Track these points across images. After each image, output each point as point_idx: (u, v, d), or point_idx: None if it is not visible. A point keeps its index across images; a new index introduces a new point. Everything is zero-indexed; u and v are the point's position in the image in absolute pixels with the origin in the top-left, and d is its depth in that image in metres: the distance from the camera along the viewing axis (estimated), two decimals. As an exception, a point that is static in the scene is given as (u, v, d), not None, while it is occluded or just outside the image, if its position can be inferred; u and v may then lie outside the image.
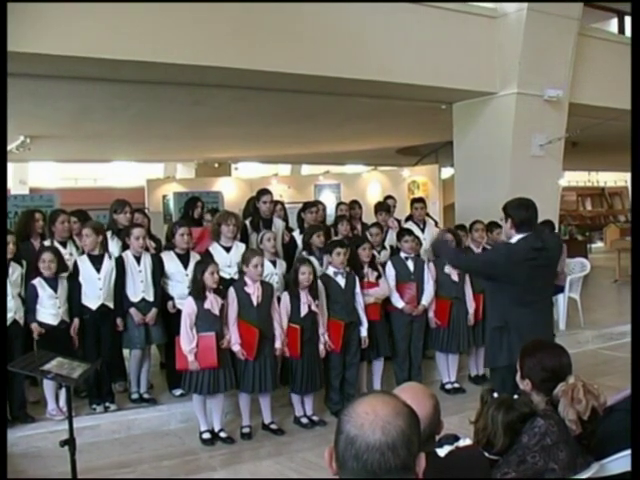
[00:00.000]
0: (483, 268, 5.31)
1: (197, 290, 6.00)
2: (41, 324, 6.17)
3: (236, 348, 6.09)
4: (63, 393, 5.95)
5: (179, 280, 6.73)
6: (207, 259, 6.46)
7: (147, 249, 6.85)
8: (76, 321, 6.34)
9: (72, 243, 6.96)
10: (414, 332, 7.32)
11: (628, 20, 11.32)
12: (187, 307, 6.02)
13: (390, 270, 7.23)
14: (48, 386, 6.25)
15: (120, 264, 6.58)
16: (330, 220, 8.62)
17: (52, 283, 6.23)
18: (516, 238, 4.98)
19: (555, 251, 5.33)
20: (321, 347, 6.47)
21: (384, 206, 8.72)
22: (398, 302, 7.18)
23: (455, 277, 7.37)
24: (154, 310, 6.61)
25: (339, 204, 9.22)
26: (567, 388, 3.04)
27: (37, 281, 6.17)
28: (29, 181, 19.58)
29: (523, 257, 4.89)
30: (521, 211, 5.00)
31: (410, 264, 7.26)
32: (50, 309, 6.20)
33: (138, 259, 6.62)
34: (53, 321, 6.21)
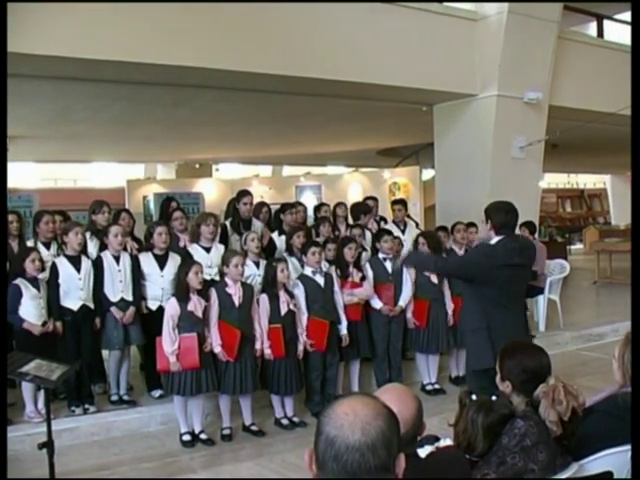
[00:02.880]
0: (464, 270, 5.35)
1: (181, 291, 5.98)
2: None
3: (217, 349, 6.07)
4: (42, 395, 5.82)
5: (154, 281, 6.72)
6: (190, 260, 6.43)
7: (126, 249, 6.81)
8: (59, 324, 6.26)
9: (56, 244, 6.89)
10: (392, 333, 7.32)
11: (607, 24, 11.42)
12: (170, 308, 5.98)
13: (368, 271, 7.23)
14: (26, 388, 6.18)
15: (99, 264, 6.53)
16: (310, 221, 8.60)
17: (34, 283, 6.18)
18: (494, 240, 5.07)
19: (530, 253, 5.36)
20: (300, 347, 6.48)
21: (366, 208, 8.73)
22: (376, 303, 7.18)
23: (434, 279, 7.37)
24: (132, 308, 6.58)
25: (320, 205, 9.20)
26: (548, 389, 3.03)
27: (19, 281, 6.11)
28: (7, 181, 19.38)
29: (503, 258, 4.96)
30: (501, 214, 5.10)
31: (388, 265, 7.27)
32: (34, 309, 6.13)
33: (117, 259, 6.59)
34: (37, 321, 6.14)
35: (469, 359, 5.67)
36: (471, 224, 7.93)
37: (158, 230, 6.73)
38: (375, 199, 9.40)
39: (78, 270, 6.38)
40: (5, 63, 5.77)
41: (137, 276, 6.67)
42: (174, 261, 6.62)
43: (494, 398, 3.10)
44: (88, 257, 6.57)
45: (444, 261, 5.54)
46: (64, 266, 6.36)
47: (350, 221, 8.64)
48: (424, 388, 7.47)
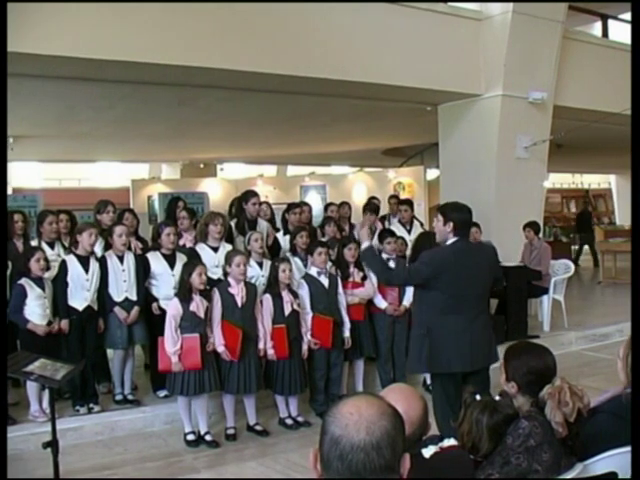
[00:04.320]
0: (410, 281, 5.30)
1: (183, 291, 5.97)
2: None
3: (221, 349, 6.06)
4: (46, 394, 5.86)
5: (165, 281, 6.70)
6: (195, 260, 6.42)
7: (130, 248, 6.81)
8: (64, 323, 6.26)
9: (60, 244, 6.91)
10: (397, 333, 7.29)
11: (612, 24, 11.40)
12: (172, 308, 5.97)
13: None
14: (31, 387, 6.17)
15: (103, 264, 6.53)
16: (318, 221, 8.60)
17: (39, 283, 6.17)
18: (451, 241, 5.01)
19: (487, 254, 5.28)
20: (304, 347, 6.47)
21: (372, 207, 8.73)
22: (381, 303, 7.17)
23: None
24: (136, 308, 6.58)
25: (328, 205, 9.21)
26: (554, 390, 3.01)
27: (24, 281, 6.10)
28: (12, 181, 19.36)
29: (447, 263, 4.92)
30: (463, 215, 5.04)
31: (392, 265, 7.18)
32: (38, 309, 6.13)
33: (121, 259, 6.58)
34: (41, 321, 6.14)
35: (407, 362, 5.73)
36: (474, 224, 7.91)
37: (166, 231, 6.74)
38: (378, 199, 9.42)
39: (86, 270, 6.39)
40: (5, 63, 5.75)
41: (141, 276, 6.66)
42: (182, 260, 6.61)
43: (497, 398, 3.10)
44: (97, 259, 6.57)
45: (389, 275, 5.36)
46: (73, 265, 6.36)
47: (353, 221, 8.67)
48: (428, 388, 7.44)
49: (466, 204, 5.12)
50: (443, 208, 5.10)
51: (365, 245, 5.20)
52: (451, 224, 4.97)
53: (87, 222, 7.04)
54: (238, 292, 6.11)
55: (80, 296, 6.36)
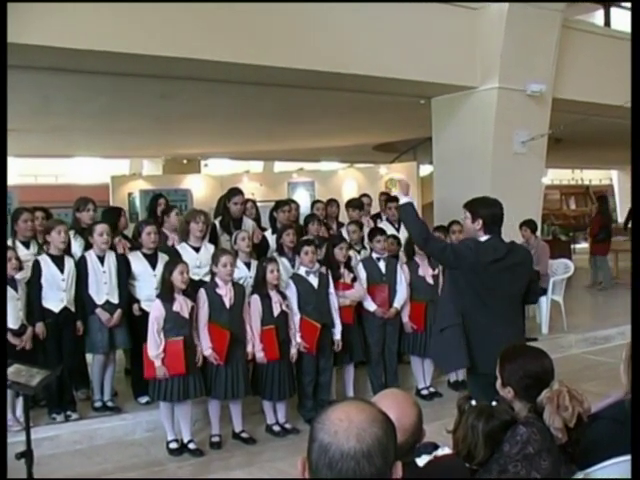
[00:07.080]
0: (444, 255, 4.96)
1: (165, 291, 5.87)
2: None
3: (208, 352, 5.97)
4: (20, 402, 5.72)
5: (147, 281, 6.59)
6: (176, 258, 6.32)
7: (112, 248, 6.66)
8: (39, 326, 6.09)
9: (35, 243, 6.75)
10: (388, 336, 7.21)
11: (614, 12, 11.24)
12: (155, 310, 5.87)
13: (361, 272, 7.11)
14: (4, 394, 6.00)
15: (83, 264, 6.39)
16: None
17: (12, 284, 5.98)
18: (484, 238, 4.84)
19: (523, 255, 5.10)
20: (293, 350, 6.37)
21: (355, 203, 8.66)
22: (370, 305, 7.06)
23: (430, 280, 7.26)
24: (119, 311, 6.45)
25: (315, 202, 9.11)
26: (552, 395, 2.96)
27: None
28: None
29: (490, 256, 4.75)
30: (490, 208, 4.88)
31: (382, 265, 7.16)
32: (10, 310, 5.92)
33: (102, 259, 6.45)
34: (13, 325, 5.95)
35: (439, 360, 5.54)
36: (456, 222, 7.79)
37: (147, 230, 6.63)
38: (369, 197, 9.32)
39: (62, 270, 6.26)
40: (5, 59, 5.68)
41: (124, 277, 6.55)
42: (164, 260, 6.49)
43: (494, 403, 3.05)
44: (72, 257, 6.44)
45: (429, 237, 5.06)
46: (47, 265, 6.22)
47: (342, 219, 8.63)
48: (419, 392, 7.36)
49: (496, 199, 4.98)
50: (470, 205, 4.94)
51: (406, 199, 4.98)
52: (480, 221, 4.82)
53: (54, 219, 6.85)
54: (226, 293, 6.04)
55: (56, 297, 6.22)
